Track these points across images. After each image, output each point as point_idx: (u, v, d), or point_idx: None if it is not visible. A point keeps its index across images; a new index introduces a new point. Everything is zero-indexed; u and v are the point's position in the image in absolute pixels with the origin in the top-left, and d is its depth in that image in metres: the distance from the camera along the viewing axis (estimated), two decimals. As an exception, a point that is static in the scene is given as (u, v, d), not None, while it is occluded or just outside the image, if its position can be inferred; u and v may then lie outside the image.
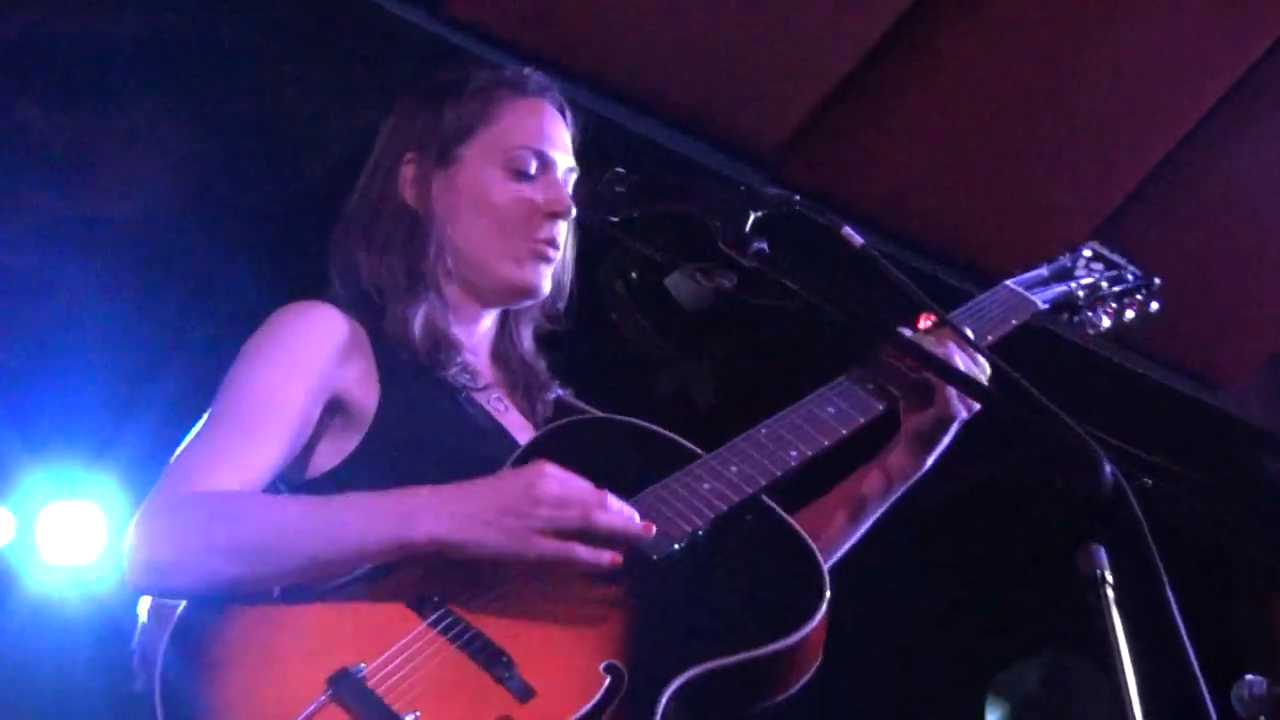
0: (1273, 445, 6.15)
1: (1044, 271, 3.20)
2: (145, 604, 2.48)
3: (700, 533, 2.44)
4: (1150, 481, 3.19)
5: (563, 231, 2.85)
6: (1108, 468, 2.15)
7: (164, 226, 5.40)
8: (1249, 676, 3.23)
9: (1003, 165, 5.18)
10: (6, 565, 5.97)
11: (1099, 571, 2.12)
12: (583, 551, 2.31)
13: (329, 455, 2.63)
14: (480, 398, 2.77)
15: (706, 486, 2.50)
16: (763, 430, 2.62)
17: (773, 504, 2.54)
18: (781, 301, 2.47)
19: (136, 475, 5.98)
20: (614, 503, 2.34)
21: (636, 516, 2.36)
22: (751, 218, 2.48)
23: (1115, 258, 3.27)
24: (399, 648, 2.27)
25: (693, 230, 2.55)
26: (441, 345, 2.74)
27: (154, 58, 4.72)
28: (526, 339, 2.93)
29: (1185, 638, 2.06)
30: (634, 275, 2.99)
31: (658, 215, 2.76)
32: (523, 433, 2.76)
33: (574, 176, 2.89)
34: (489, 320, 2.91)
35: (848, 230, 2.43)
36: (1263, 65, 5.08)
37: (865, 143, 5.04)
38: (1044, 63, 4.98)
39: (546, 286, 2.84)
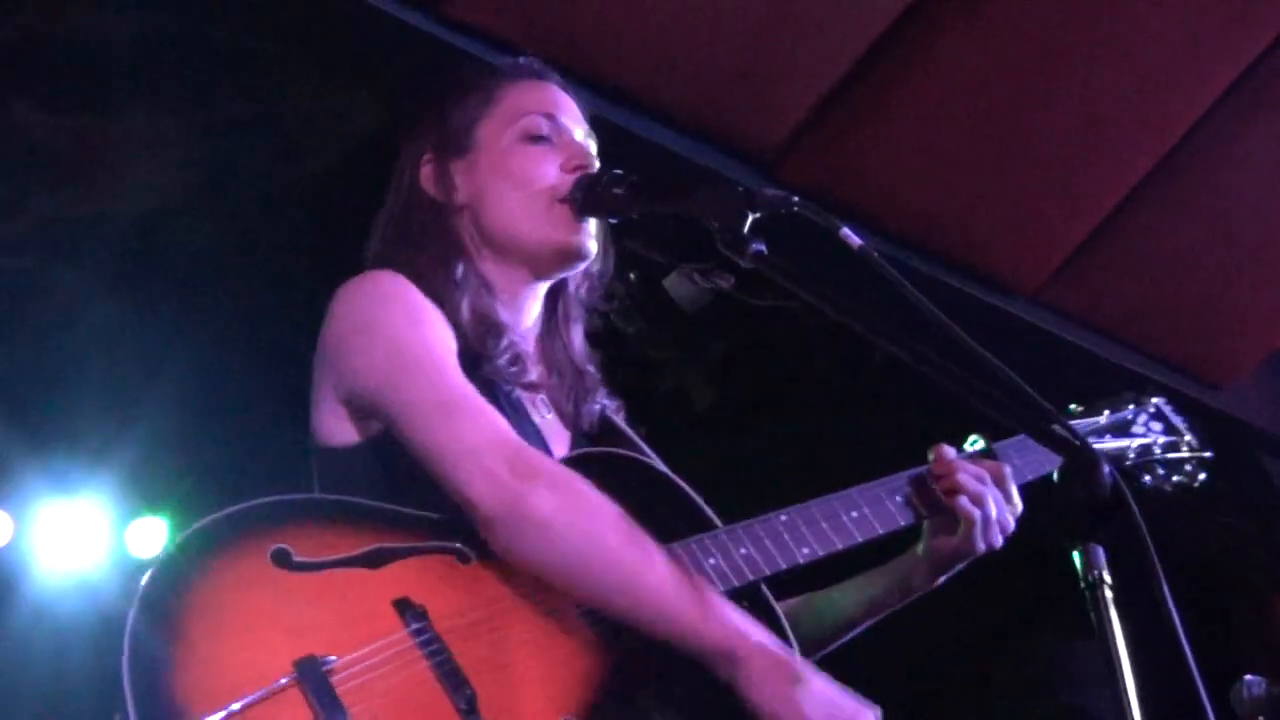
0: (1271, 445, 6.16)
1: (1101, 420, 3.21)
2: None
3: None
4: (1148, 482, 3.21)
5: (583, 203, 2.79)
6: (1106, 468, 2.15)
7: (163, 227, 5.40)
8: (1248, 677, 3.23)
9: (1000, 166, 5.18)
10: (4, 566, 5.98)
11: (1098, 572, 2.12)
12: None
13: (358, 430, 2.58)
14: (524, 397, 2.74)
15: (712, 562, 2.51)
16: (782, 517, 2.64)
17: (768, 595, 2.55)
18: (780, 302, 2.47)
19: (134, 476, 5.99)
20: None
21: None
22: (749, 219, 2.47)
23: (1177, 421, 3.29)
24: (372, 649, 2.24)
25: (691, 231, 2.54)
26: (491, 329, 2.69)
27: (153, 59, 4.72)
28: (577, 337, 2.90)
29: (1184, 638, 2.06)
30: (632, 276, 2.99)
31: (656, 216, 2.76)
32: (558, 442, 2.73)
33: (594, 144, 2.89)
34: (536, 310, 2.86)
35: (846, 231, 2.43)
36: (1260, 65, 5.08)
37: (863, 143, 5.04)
38: (1041, 63, 4.98)
39: (590, 245, 2.79)
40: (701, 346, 5.90)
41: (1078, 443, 2.20)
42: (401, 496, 2.46)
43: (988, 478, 2.78)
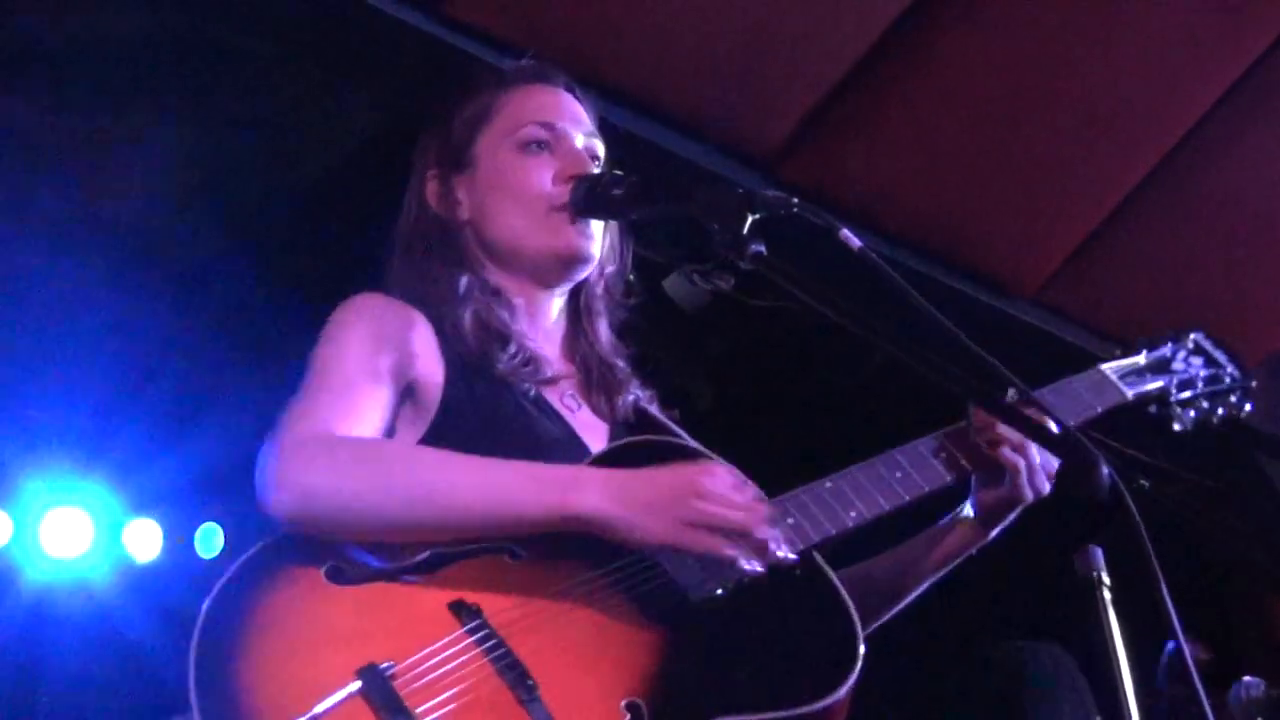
0: (1270, 446, 6.16)
1: (1141, 360, 3.18)
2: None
3: (744, 580, 2.44)
4: (1147, 483, 3.21)
5: (583, 205, 2.80)
6: (1105, 470, 2.15)
7: (162, 228, 5.40)
8: (1246, 678, 3.23)
9: (1000, 167, 5.18)
10: (3, 566, 5.98)
11: (1096, 573, 2.13)
12: (734, 552, 2.34)
13: (402, 438, 2.62)
14: (550, 394, 2.76)
15: None
16: (827, 484, 2.64)
17: (822, 563, 2.54)
18: (779, 303, 2.47)
19: (132, 475, 5.99)
20: (771, 520, 2.37)
21: (784, 545, 2.38)
22: (749, 220, 2.48)
23: (1218, 354, 3.27)
24: (430, 651, 2.27)
25: (690, 232, 2.55)
26: (495, 337, 2.72)
27: (153, 59, 4.72)
28: (602, 332, 2.91)
29: (1182, 639, 2.06)
30: (632, 277, 3.00)
31: (656, 217, 2.76)
32: (591, 433, 2.75)
33: (598, 144, 2.90)
34: (556, 310, 2.88)
35: (845, 232, 2.44)
36: (1260, 66, 5.08)
37: (863, 145, 5.04)
38: (1041, 64, 4.98)
39: (593, 249, 2.81)
40: (701, 347, 5.90)
41: (1076, 444, 2.20)
42: None
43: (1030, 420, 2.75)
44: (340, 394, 2.52)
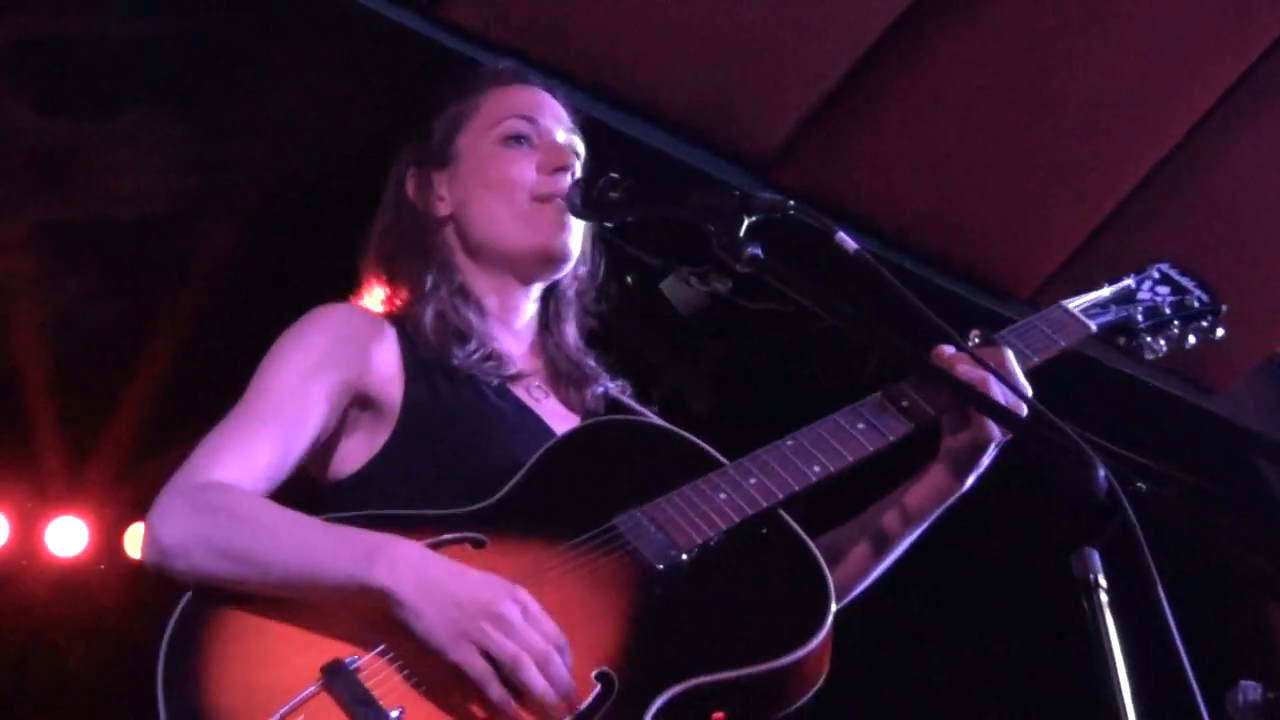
0: (1267, 449, 6.16)
1: (1105, 293, 3.14)
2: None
3: (712, 543, 2.43)
4: (1144, 485, 3.19)
5: (580, 207, 2.80)
6: (1102, 472, 2.15)
7: (160, 230, 5.40)
8: (1244, 681, 3.23)
9: (998, 168, 5.18)
10: (2, 570, 5.98)
11: (1093, 576, 2.12)
12: (495, 689, 2.23)
13: (362, 451, 2.66)
14: (515, 387, 2.76)
15: (723, 497, 2.49)
16: (788, 442, 2.60)
17: (789, 520, 2.52)
18: (776, 306, 2.47)
19: (130, 479, 5.98)
20: (556, 669, 2.23)
21: (557, 696, 2.23)
22: (746, 222, 2.48)
23: (1184, 280, 3.21)
24: (395, 641, 2.28)
25: (687, 235, 2.55)
26: (455, 334, 2.74)
27: (150, 62, 4.72)
28: (570, 333, 2.92)
29: (1180, 642, 2.06)
30: (629, 280, 3.00)
31: (652, 220, 2.76)
32: (561, 422, 2.75)
33: (579, 142, 2.91)
34: (529, 312, 2.89)
35: (842, 235, 2.43)
36: (1259, 67, 5.08)
37: (860, 147, 5.04)
38: (1038, 67, 4.98)
39: (571, 243, 2.82)
40: (698, 350, 5.90)
41: (1074, 446, 2.20)
42: (431, 486, 2.55)
43: (989, 363, 2.68)
44: (257, 428, 2.54)
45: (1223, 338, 3.17)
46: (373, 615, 2.29)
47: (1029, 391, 2.65)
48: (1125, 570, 2.11)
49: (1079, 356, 5.81)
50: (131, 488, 5.97)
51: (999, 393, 2.61)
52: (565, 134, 2.91)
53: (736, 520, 2.47)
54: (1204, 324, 3.17)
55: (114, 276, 5.52)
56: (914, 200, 5.22)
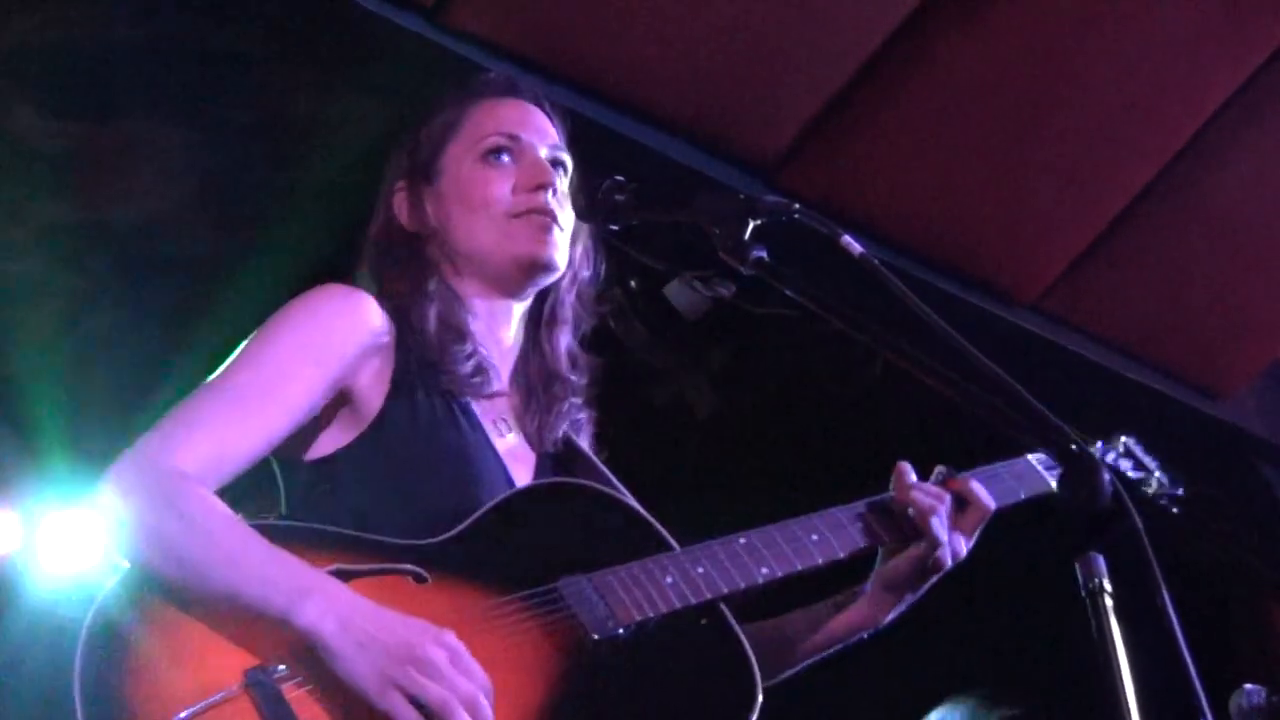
0: (1271, 454, 6.15)
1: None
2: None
3: (650, 624, 2.45)
4: (1149, 490, 3.20)
5: (555, 203, 2.83)
6: (1106, 476, 2.15)
7: (164, 234, 5.41)
8: (1247, 686, 3.22)
9: (1001, 173, 5.18)
10: (12, 573, 5.98)
11: (1098, 580, 2.12)
12: None
13: (328, 442, 2.64)
14: (485, 417, 2.75)
15: (669, 580, 2.51)
16: (741, 540, 2.63)
17: (727, 615, 2.54)
18: (780, 310, 2.47)
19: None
20: (483, 713, 2.23)
21: None
22: (750, 226, 2.48)
23: (1147, 459, 3.25)
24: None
25: (692, 239, 2.55)
26: (455, 335, 2.73)
27: (154, 66, 4.72)
28: (562, 340, 2.91)
29: (1184, 646, 2.06)
30: (633, 284, 3.00)
31: (656, 224, 2.76)
32: (516, 463, 2.74)
33: (564, 156, 2.91)
34: (516, 323, 2.88)
35: (847, 239, 2.43)
36: (1264, 72, 5.08)
37: (864, 151, 5.05)
38: (1042, 71, 4.98)
39: (555, 255, 2.81)
40: (702, 354, 5.90)
41: (1077, 449, 2.20)
42: (379, 501, 2.54)
43: (946, 499, 2.78)
44: (240, 408, 2.50)
45: (1175, 516, 3.20)
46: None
47: (965, 549, 2.78)
48: (1130, 575, 2.11)
49: (1083, 363, 5.82)
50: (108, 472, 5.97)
51: (941, 528, 2.72)
52: (548, 149, 2.90)
53: (678, 606, 2.48)
54: (1161, 503, 3.22)
55: (119, 279, 5.52)
56: (918, 204, 5.22)
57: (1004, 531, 2.86)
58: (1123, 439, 3.26)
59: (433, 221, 2.87)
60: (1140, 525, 2.11)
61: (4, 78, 4.77)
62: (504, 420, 2.80)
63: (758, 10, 4.68)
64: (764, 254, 2.46)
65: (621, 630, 2.42)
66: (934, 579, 2.79)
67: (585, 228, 2.92)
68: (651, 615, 2.45)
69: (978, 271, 5.43)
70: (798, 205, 2.49)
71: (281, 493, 2.67)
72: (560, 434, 2.85)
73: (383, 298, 2.75)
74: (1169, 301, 5.68)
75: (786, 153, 4.99)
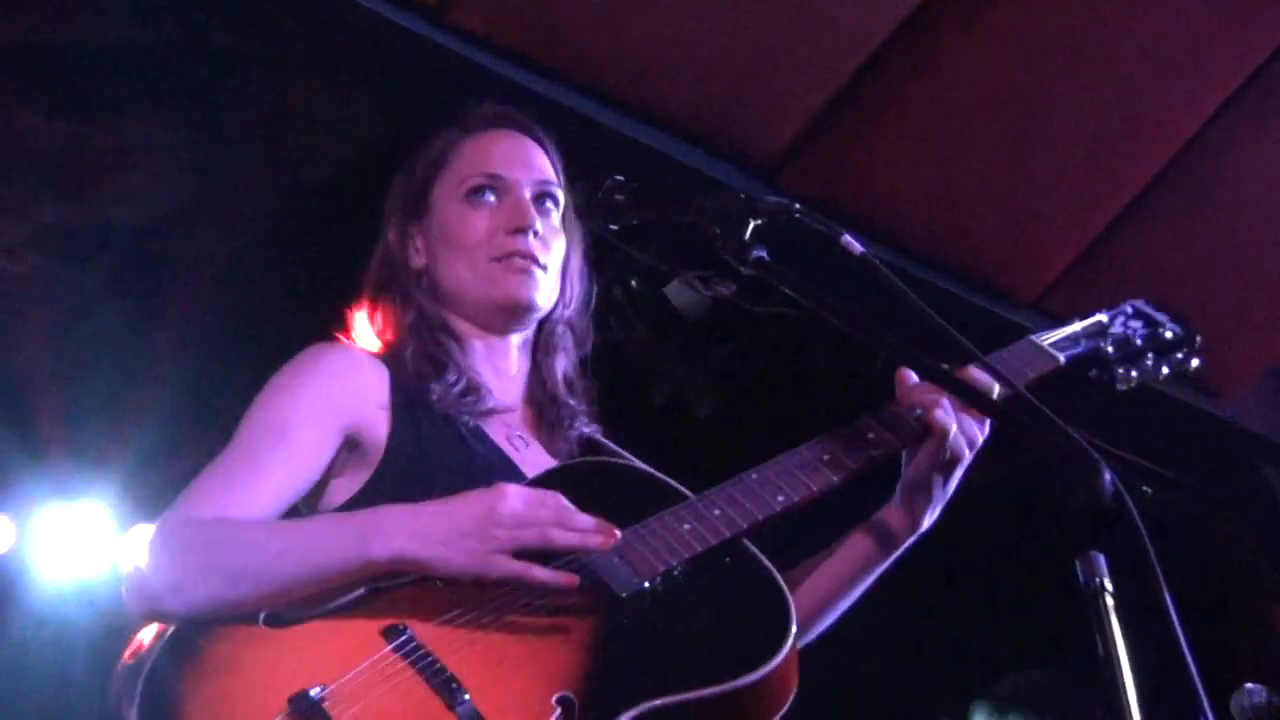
0: (1273, 453, 6.15)
1: (1076, 327, 3.11)
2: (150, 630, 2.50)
3: (675, 572, 2.45)
4: (1150, 490, 3.19)
5: (537, 245, 2.84)
6: (1107, 476, 2.15)
7: (164, 234, 5.41)
8: (1249, 685, 3.22)
9: (1002, 173, 5.18)
10: (7, 572, 5.98)
11: (1099, 580, 2.12)
12: (540, 573, 2.33)
13: (343, 489, 2.68)
14: (495, 431, 2.78)
15: (687, 527, 2.51)
16: (753, 475, 2.63)
17: (753, 549, 2.54)
18: (781, 309, 2.46)
19: (136, 481, 5.99)
20: (577, 520, 2.36)
21: (597, 534, 2.37)
22: (751, 226, 2.48)
23: (1157, 315, 3.19)
24: (358, 672, 2.30)
25: (692, 238, 2.55)
26: (436, 365, 2.77)
27: (154, 66, 4.73)
28: (558, 368, 2.92)
29: (1185, 646, 2.06)
30: (633, 283, 3.00)
31: (657, 223, 2.76)
32: (536, 470, 2.75)
33: (554, 189, 2.92)
34: (515, 352, 2.91)
35: (847, 238, 2.43)
36: (1264, 72, 5.08)
37: (864, 151, 5.05)
38: (1042, 72, 4.98)
39: (536, 296, 2.84)
40: (702, 354, 5.90)
41: (1079, 450, 2.20)
42: None
43: (943, 395, 2.73)
44: (250, 471, 2.58)
45: (1198, 367, 3.17)
46: (347, 637, 2.33)
47: (979, 434, 2.73)
48: (1131, 575, 2.11)
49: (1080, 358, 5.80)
50: (138, 490, 5.98)
51: (947, 417, 2.68)
52: (533, 185, 2.90)
53: (699, 549, 2.48)
54: (1178, 355, 3.17)
55: (118, 279, 5.52)
56: (918, 204, 5.22)
57: (1005, 530, 2.85)
58: (1129, 302, 3.20)
59: (423, 257, 2.90)
60: (1141, 525, 2.11)
61: (4, 78, 4.77)
62: (520, 436, 2.83)
63: (758, 10, 4.68)
64: (764, 254, 2.46)
65: (647, 584, 2.43)
66: (959, 471, 2.73)
67: (576, 252, 2.94)
68: (674, 563, 2.45)
69: (979, 271, 5.43)
70: (798, 205, 2.49)
71: None
72: (575, 440, 2.88)
73: (378, 333, 2.82)
74: (1170, 300, 5.66)
75: (787, 152, 4.99)
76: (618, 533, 2.39)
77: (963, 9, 4.84)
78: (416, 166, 2.96)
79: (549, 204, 2.91)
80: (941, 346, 2.64)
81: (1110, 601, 2.10)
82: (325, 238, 5.18)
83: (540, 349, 2.93)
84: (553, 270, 2.87)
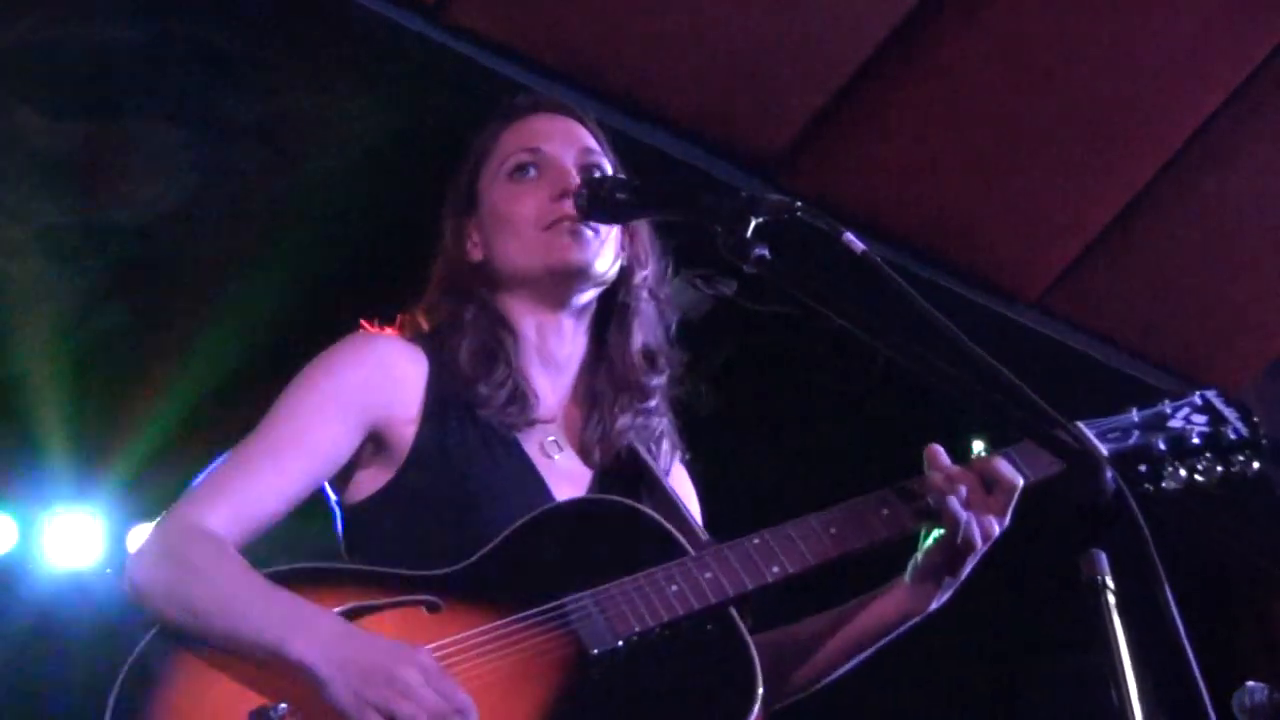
0: (1272, 450, 6.14)
1: (1134, 416, 2.95)
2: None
3: (653, 634, 2.45)
4: (1151, 487, 3.17)
5: (586, 208, 2.78)
6: (1109, 473, 2.14)
7: (165, 234, 5.40)
8: (1250, 683, 3.22)
9: (1003, 173, 5.18)
10: (7, 571, 5.99)
11: (1101, 577, 2.12)
12: None
13: (367, 485, 2.70)
14: (528, 441, 2.75)
15: (674, 589, 2.49)
16: (754, 540, 2.60)
17: (735, 618, 2.52)
18: (782, 307, 2.46)
19: (136, 482, 5.99)
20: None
21: None
22: (752, 224, 2.47)
23: (1225, 410, 2.99)
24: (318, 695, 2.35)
25: (694, 236, 2.54)
26: (488, 365, 2.74)
27: (155, 66, 4.72)
28: (635, 342, 2.87)
29: (1187, 643, 2.06)
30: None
31: (659, 222, 2.75)
32: (567, 482, 2.74)
33: (599, 159, 2.89)
34: (571, 334, 2.86)
35: (849, 236, 2.42)
36: (1263, 70, 5.09)
37: (866, 149, 5.05)
38: (1043, 71, 4.98)
39: (592, 259, 2.77)
40: (703, 353, 5.89)
41: (1079, 447, 2.20)
42: (420, 539, 2.59)
43: (969, 479, 2.67)
44: (271, 460, 2.62)
45: (1258, 471, 2.97)
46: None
47: (997, 527, 2.68)
48: (1132, 572, 2.11)
49: (1085, 360, 5.82)
50: (139, 490, 5.98)
51: (958, 509, 2.63)
52: (577, 154, 2.88)
53: (680, 613, 2.47)
54: (1239, 457, 2.96)
55: (118, 279, 5.52)
56: (920, 202, 5.22)
57: (1008, 531, 2.83)
58: (1199, 392, 3.03)
59: (479, 251, 2.87)
60: (1143, 522, 2.11)
61: (4, 78, 4.77)
62: (554, 442, 2.80)
63: (759, 9, 4.68)
64: (766, 252, 2.45)
65: (621, 643, 2.43)
66: (971, 561, 2.69)
67: (644, 222, 2.89)
68: (652, 624, 2.45)
69: (980, 270, 5.43)
70: (799, 203, 2.48)
71: (339, 536, 2.75)
72: (624, 445, 2.83)
73: (422, 335, 2.80)
74: (1170, 299, 5.68)
75: (788, 151, 4.99)
76: None
77: (963, 8, 4.84)
78: (463, 166, 2.95)
79: (595, 174, 2.86)
80: (942, 344, 2.64)
81: (1112, 599, 2.10)
82: (327, 237, 5.18)
83: (615, 324, 2.88)
84: (606, 234, 2.81)
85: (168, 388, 5.70)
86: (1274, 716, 3.17)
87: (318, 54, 4.72)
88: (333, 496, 2.73)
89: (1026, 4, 4.87)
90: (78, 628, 5.92)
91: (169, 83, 4.80)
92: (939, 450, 2.72)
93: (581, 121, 2.97)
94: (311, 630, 2.38)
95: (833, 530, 2.63)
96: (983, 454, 2.74)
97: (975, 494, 2.66)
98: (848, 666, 2.81)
